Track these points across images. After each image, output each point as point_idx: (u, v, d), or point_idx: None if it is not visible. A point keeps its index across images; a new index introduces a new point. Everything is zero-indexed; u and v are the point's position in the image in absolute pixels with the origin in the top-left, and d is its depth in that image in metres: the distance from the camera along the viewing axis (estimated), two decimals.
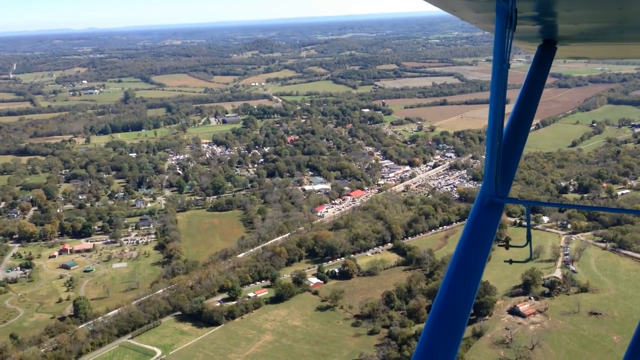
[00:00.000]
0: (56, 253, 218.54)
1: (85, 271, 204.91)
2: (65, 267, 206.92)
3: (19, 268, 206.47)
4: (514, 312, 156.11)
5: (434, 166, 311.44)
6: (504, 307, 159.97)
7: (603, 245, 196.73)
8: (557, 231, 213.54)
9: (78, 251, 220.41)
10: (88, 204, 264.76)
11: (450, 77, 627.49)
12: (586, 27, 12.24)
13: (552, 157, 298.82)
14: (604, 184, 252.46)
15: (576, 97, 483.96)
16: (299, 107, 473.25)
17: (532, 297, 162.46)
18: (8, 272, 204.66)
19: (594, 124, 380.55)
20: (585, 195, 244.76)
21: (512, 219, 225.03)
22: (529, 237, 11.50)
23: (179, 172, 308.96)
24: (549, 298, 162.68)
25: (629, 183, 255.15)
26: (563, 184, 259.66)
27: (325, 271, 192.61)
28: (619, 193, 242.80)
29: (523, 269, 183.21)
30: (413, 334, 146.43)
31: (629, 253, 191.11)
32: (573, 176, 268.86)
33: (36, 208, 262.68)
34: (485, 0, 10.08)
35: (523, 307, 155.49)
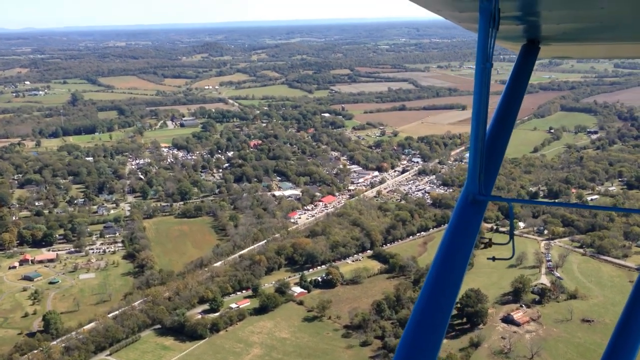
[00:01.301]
0: (16, 263, 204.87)
1: (50, 283, 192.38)
2: (28, 278, 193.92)
3: None
4: (507, 320, 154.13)
5: (403, 171, 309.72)
6: (497, 316, 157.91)
7: (582, 251, 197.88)
8: (534, 237, 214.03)
9: (40, 261, 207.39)
10: (46, 211, 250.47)
11: (405, 83, 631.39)
12: (568, 27, 12.26)
13: (519, 162, 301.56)
14: (573, 190, 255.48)
15: (530, 103, 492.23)
16: (258, 111, 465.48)
17: (523, 305, 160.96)
18: None
19: (552, 130, 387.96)
20: (556, 200, 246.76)
21: (489, 225, 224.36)
22: (511, 235, 11.67)
23: (141, 177, 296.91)
24: (540, 305, 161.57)
25: (597, 189, 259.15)
26: (533, 189, 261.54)
27: (309, 280, 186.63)
28: (589, 199, 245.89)
29: (509, 276, 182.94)
30: None
31: (608, 259, 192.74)
32: (541, 182, 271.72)
33: None
34: (469, 0, 9.98)
35: (517, 315, 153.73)
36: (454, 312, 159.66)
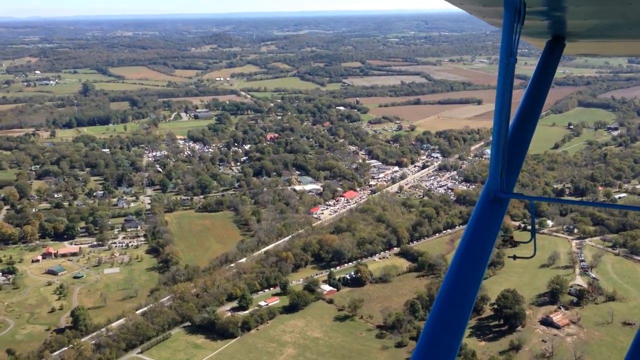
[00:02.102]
0: (40, 257, 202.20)
1: (75, 277, 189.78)
2: (52, 272, 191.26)
3: (0, 274, 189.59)
4: (546, 322, 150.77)
5: (423, 167, 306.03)
6: (535, 317, 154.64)
7: (615, 251, 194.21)
8: (564, 236, 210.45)
9: (64, 255, 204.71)
10: (66, 203, 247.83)
11: (418, 77, 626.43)
12: (595, 23, 11.88)
13: (541, 159, 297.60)
14: (600, 187, 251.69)
15: (547, 98, 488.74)
16: (272, 104, 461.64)
17: (561, 307, 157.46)
18: None
19: (571, 126, 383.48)
20: (583, 198, 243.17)
21: (516, 222, 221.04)
22: (533, 233, 11.30)
23: (160, 169, 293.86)
24: (579, 307, 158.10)
25: (624, 186, 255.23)
26: (558, 186, 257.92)
27: (337, 278, 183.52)
28: (617, 197, 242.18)
29: (541, 276, 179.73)
30: None
31: None
32: (566, 179, 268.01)
33: (9, 207, 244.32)
34: None
35: (556, 318, 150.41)
36: (490, 313, 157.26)
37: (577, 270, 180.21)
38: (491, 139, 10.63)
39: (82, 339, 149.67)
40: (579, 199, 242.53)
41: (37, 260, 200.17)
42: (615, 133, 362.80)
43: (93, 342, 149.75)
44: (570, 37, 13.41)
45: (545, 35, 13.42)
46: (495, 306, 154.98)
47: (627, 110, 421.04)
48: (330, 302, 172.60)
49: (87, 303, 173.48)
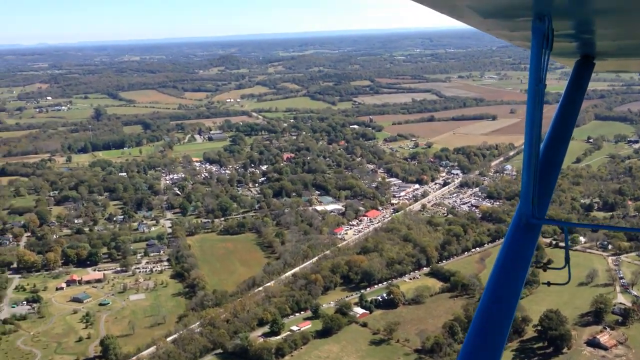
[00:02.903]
0: (64, 284, 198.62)
1: (100, 304, 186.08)
2: (77, 300, 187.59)
3: (25, 302, 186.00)
4: (593, 343, 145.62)
5: (444, 184, 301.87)
6: (580, 339, 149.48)
7: None
8: (599, 252, 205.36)
9: (88, 282, 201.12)
10: (86, 229, 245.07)
11: (428, 94, 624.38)
12: (624, 43, 11.82)
13: (565, 173, 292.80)
14: (629, 201, 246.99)
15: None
16: (286, 124, 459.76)
17: (607, 327, 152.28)
18: (13, 307, 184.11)
19: (591, 140, 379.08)
20: (613, 213, 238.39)
21: (547, 240, 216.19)
22: (567, 259, 10.99)
23: (178, 192, 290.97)
24: (624, 327, 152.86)
25: None
26: (585, 201, 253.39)
27: (369, 300, 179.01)
28: None
29: (581, 295, 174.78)
30: None
31: None
32: (593, 193, 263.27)
33: (29, 234, 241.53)
34: (522, 21, 9.90)
35: (603, 339, 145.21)
36: (533, 334, 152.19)
37: (618, 288, 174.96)
38: (511, 154, 9.01)
39: None
40: (606, 215, 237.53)
41: (62, 288, 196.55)
42: (636, 146, 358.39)
43: None
44: (599, 56, 13.07)
45: (574, 55, 13.06)
46: (539, 327, 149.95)
47: None
48: (364, 325, 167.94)
49: (115, 331, 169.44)
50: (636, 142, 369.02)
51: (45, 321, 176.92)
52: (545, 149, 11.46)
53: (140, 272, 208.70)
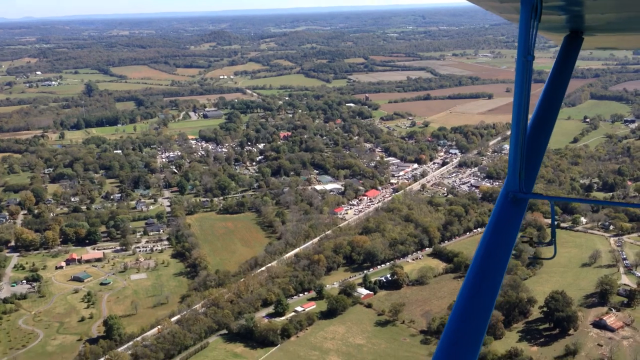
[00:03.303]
0: (63, 263, 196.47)
1: (101, 284, 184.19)
2: (77, 279, 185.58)
3: (25, 281, 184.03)
4: (600, 325, 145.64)
5: (442, 164, 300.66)
6: (586, 320, 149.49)
7: None
8: (601, 233, 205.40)
9: (87, 261, 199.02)
10: (83, 207, 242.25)
11: (423, 72, 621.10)
12: (613, 17, 11.86)
13: (563, 154, 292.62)
14: (629, 182, 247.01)
15: None
16: (281, 102, 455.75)
17: (612, 308, 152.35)
18: (13, 285, 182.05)
19: (587, 120, 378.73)
20: (613, 193, 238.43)
21: (547, 220, 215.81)
22: (553, 234, 11.47)
23: (175, 170, 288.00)
24: (630, 309, 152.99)
25: None
26: (584, 181, 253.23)
27: (373, 280, 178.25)
28: None
29: (584, 275, 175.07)
30: (504, 353, 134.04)
31: None
32: (592, 174, 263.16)
33: (26, 212, 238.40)
34: None
35: (609, 320, 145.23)
36: (538, 315, 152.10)
37: (622, 269, 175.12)
38: (509, 133, 8.49)
39: (118, 350, 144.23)
40: (606, 195, 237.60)
41: (61, 267, 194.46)
42: (633, 126, 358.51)
43: (129, 352, 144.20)
44: (588, 31, 13.06)
45: (563, 30, 13.05)
46: (545, 309, 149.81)
47: None
48: (369, 306, 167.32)
49: (117, 311, 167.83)
50: (633, 121, 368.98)
51: (46, 300, 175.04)
52: (533, 125, 11.41)
53: (140, 251, 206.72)
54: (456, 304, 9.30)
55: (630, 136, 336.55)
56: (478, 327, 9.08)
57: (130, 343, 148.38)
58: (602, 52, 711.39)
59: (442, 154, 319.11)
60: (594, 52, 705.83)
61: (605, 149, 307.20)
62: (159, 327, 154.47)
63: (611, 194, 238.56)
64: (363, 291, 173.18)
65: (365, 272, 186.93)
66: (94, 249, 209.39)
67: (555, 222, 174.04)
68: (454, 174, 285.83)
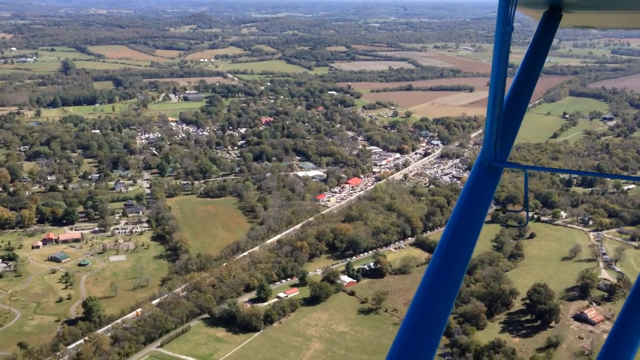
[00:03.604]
0: (40, 243, 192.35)
1: (79, 265, 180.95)
2: (55, 259, 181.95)
3: (0, 260, 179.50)
4: (580, 318, 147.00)
5: (425, 154, 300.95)
6: (567, 313, 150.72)
7: (635, 243, 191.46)
8: (580, 228, 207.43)
9: (65, 241, 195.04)
10: (60, 186, 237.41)
11: (404, 62, 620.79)
12: None
13: (544, 148, 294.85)
14: (608, 179, 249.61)
15: (538, 87, 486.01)
16: (263, 87, 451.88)
17: (593, 302, 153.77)
18: None
19: (567, 116, 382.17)
20: (592, 189, 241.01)
21: (530, 213, 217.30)
22: (526, 202, 11.81)
23: (155, 152, 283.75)
24: (610, 303, 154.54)
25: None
26: (563, 176, 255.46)
27: (356, 268, 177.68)
28: (625, 188, 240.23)
29: (564, 269, 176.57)
30: (487, 344, 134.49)
31: None
32: (571, 169, 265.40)
33: (1, 189, 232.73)
34: None
35: (590, 314, 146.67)
36: (521, 307, 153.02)
37: (601, 264, 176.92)
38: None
39: (97, 332, 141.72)
40: (589, 190, 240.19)
41: (38, 247, 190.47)
42: (611, 123, 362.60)
43: (109, 334, 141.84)
44: (567, 7, 13.19)
45: (542, 6, 13.20)
46: (527, 301, 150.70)
47: (620, 100, 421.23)
48: (352, 294, 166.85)
49: (96, 292, 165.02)
50: (611, 119, 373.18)
51: (23, 280, 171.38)
52: (509, 96, 11.51)
53: (119, 232, 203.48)
54: (428, 268, 9.41)
55: (608, 133, 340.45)
56: (450, 291, 9.22)
57: (110, 325, 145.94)
58: (581, 50, 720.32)
59: (424, 144, 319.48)
60: (573, 50, 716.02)
61: (585, 145, 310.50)
62: (140, 309, 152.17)
63: (590, 189, 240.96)
64: (346, 279, 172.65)
65: (348, 260, 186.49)
66: (71, 229, 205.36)
67: (536, 216, 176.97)
68: (436, 165, 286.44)
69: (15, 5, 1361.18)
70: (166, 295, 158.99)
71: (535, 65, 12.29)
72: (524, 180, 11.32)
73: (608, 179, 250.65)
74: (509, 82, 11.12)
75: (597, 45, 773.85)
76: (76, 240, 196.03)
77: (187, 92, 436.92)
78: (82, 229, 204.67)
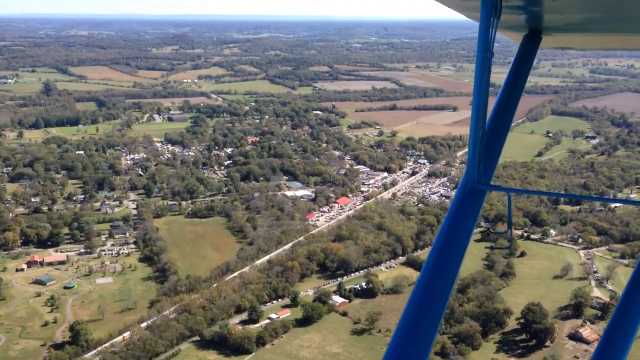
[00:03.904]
0: (24, 266, 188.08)
1: (65, 287, 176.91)
2: (40, 282, 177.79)
3: None
4: (575, 337, 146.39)
5: (412, 173, 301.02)
6: (562, 332, 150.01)
7: (625, 262, 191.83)
8: (570, 246, 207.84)
9: (50, 263, 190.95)
10: (45, 208, 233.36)
11: (387, 82, 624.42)
12: (572, 18, 12.37)
13: (530, 167, 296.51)
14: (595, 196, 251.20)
15: (519, 106, 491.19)
16: (247, 107, 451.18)
17: (587, 321, 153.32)
18: None
19: (550, 135, 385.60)
20: (580, 207, 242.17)
21: (518, 232, 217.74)
22: (510, 225, 11.92)
23: (141, 173, 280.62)
24: (604, 321, 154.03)
25: (618, 196, 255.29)
26: None
27: (347, 288, 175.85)
28: (612, 206, 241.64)
29: (557, 288, 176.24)
30: None
31: None
32: (558, 187, 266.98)
33: None
34: None
35: (585, 333, 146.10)
36: (515, 326, 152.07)
37: (593, 282, 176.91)
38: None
39: (85, 356, 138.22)
40: (577, 209, 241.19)
41: (22, 269, 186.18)
42: (594, 142, 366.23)
43: (97, 358, 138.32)
44: (546, 30, 13.39)
45: (522, 29, 13.34)
46: (522, 320, 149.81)
47: (601, 119, 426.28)
48: (344, 314, 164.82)
49: (83, 316, 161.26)
50: (593, 137, 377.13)
51: (7, 303, 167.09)
52: (492, 118, 11.57)
53: (106, 254, 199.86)
54: (414, 292, 9.45)
55: (592, 152, 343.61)
56: (436, 314, 9.17)
57: (98, 349, 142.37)
58: (560, 70, 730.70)
59: (411, 163, 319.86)
60: (552, 69, 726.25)
61: (570, 163, 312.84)
62: (128, 332, 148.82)
63: (578, 207, 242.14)
64: (338, 299, 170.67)
65: (339, 279, 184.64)
66: (56, 251, 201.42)
67: (526, 234, 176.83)
68: (424, 184, 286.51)
69: None
70: (155, 318, 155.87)
71: (516, 86, 12.40)
72: (508, 203, 11.56)
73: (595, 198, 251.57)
74: (491, 102, 11.22)
75: (575, 65, 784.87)
76: (61, 263, 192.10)
77: (171, 112, 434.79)
78: (68, 251, 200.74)
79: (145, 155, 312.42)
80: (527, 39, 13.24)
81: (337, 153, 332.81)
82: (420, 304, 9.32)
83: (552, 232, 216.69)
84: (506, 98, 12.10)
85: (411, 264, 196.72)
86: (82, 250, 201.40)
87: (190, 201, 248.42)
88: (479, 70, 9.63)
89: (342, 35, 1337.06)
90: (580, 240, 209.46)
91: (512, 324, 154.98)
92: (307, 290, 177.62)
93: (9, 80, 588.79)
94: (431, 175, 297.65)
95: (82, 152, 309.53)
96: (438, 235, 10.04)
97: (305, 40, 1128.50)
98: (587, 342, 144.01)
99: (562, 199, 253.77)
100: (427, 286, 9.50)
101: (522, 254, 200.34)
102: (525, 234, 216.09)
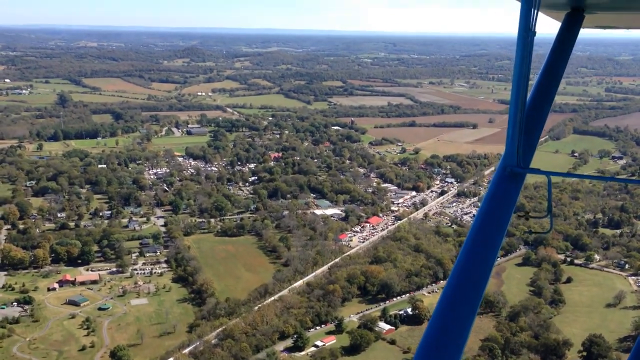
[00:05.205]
0: (56, 285, 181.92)
1: (100, 309, 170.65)
2: (73, 303, 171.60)
3: (15, 303, 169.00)
4: None
5: (441, 192, 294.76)
6: None
7: None
8: (617, 272, 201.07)
9: (82, 283, 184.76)
10: (71, 224, 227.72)
11: (402, 98, 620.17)
12: None
13: (563, 187, 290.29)
14: (634, 219, 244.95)
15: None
16: (266, 122, 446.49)
17: None
18: (3, 308, 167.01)
19: (576, 154, 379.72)
20: (621, 230, 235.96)
21: (560, 256, 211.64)
22: (549, 209, 10.93)
23: (167, 188, 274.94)
24: None
25: None
26: (589, 217, 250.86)
27: (392, 314, 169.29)
28: None
29: (611, 317, 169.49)
30: None
31: None
32: (594, 209, 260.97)
33: (9, 227, 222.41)
34: None
35: None
36: (577, 359, 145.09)
37: None
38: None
39: None
40: (618, 232, 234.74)
41: (54, 289, 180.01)
42: (621, 162, 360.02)
43: None
44: (589, 9, 12.77)
45: (564, 7, 12.79)
46: (584, 353, 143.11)
47: (625, 139, 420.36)
48: (392, 342, 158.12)
49: (120, 339, 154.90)
50: (620, 158, 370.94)
51: (41, 325, 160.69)
52: (531, 100, 11.12)
53: (138, 274, 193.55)
54: (452, 274, 9.09)
55: (621, 173, 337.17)
56: (473, 298, 8.87)
57: None
58: (576, 88, 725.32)
59: (438, 182, 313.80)
60: (568, 87, 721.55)
61: (602, 184, 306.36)
62: (172, 359, 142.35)
63: (619, 230, 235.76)
64: (384, 326, 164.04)
65: (381, 304, 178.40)
66: (87, 269, 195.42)
67: (569, 259, 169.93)
68: (454, 204, 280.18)
69: (4, 37, 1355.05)
70: (197, 344, 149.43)
71: (558, 67, 11.86)
72: (548, 187, 9.81)
73: (634, 220, 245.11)
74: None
75: (589, 84, 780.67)
76: (94, 282, 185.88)
77: (189, 126, 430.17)
78: (99, 270, 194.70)
79: (168, 170, 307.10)
80: (568, 18, 12.72)
81: (362, 170, 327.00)
82: (458, 287, 8.83)
83: (597, 256, 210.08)
84: (547, 80, 11.61)
85: None
86: (114, 269, 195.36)
87: (219, 219, 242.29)
88: (520, 50, 9.27)
89: (351, 50, 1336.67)
90: (627, 266, 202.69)
91: (572, 355, 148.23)
92: (349, 316, 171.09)
93: (24, 91, 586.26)
94: (460, 194, 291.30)
95: (104, 165, 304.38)
96: (475, 219, 9.64)
97: (315, 55, 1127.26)
98: None
99: (601, 222, 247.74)
100: (463, 273, 8.98)
101: (569, 280, 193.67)
102: (569, 259, 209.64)
